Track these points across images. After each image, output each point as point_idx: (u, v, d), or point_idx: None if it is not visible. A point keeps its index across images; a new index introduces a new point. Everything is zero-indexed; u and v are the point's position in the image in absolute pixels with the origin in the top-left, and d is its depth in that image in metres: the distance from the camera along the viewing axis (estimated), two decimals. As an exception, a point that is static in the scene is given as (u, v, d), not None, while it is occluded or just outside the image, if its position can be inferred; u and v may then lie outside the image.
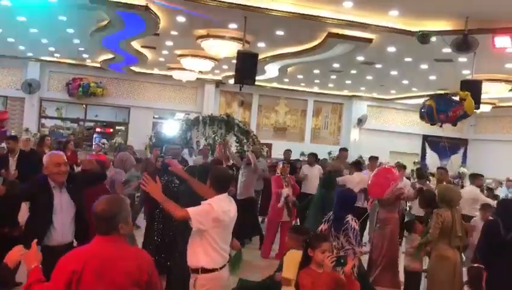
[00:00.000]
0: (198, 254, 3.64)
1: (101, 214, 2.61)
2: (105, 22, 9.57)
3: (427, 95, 16.11)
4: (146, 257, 2.71)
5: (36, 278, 2.58)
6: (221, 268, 3.70)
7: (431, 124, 9.10)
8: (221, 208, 3.64)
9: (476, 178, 8.81)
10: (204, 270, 3.64)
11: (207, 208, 3.59)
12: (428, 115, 8.97)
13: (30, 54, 15.21)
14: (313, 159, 10.43)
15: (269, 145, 16.64)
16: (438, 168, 9.22)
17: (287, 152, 11.18)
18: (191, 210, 3.52)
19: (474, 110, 9.07)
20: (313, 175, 9.84)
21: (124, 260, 2.56)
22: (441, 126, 9.22)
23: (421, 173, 9.45)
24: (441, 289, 5.22)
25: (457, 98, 8.55)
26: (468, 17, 7.44)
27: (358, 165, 9.17)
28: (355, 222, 4.74)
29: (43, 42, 12.79)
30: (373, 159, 9.85)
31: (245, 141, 14.26)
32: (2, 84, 15.99)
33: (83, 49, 13.33)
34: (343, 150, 11.05)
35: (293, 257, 3.96)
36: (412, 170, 13.91)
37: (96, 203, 2.67)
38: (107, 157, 10.37)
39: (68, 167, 4.16)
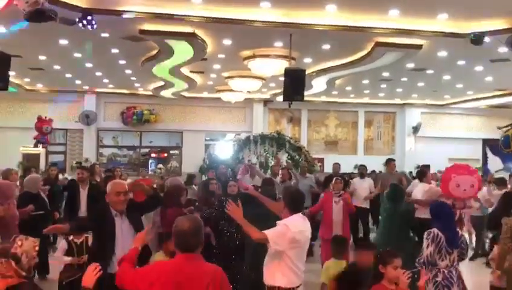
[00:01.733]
0: (275, 274, 3.75)
1: (188, 231, 2.75)
2: (154, 51, 9.90)
3: (484, 98, 15.58)
4: (220, 272, 2.83)
5: (131, 256, 3.09)
6: (297, 287, 3.78)
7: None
8: (297, 228, 3.73)
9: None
10: (281, 289, 3.76)
11: (283, 229, 3.69)
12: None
13: (86, 87, 15.97)
14: (364, 171, 10.20)
15: (321, 160, 16.46)
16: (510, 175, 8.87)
17: (336, 166, 10.85)
18: (269, 232, 3.64)
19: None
20: (363, 188, 9.60)
21: (203, 276, 2.70)
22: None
23: (500, 179, 9.17)
24: None
25: None
26: (524, 13, 7.12)
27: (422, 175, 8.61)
28: None
29: (97, 75, 13.40)
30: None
31: (297, 157, 14.16)
32: (62, 118, 16.75)
33: (134, 78, 13.84)
34: (390, 161, 10.51)
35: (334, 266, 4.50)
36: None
37: (177, 222, 2.83)
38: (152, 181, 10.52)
39: (128, 196, 4.26)
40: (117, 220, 4.14)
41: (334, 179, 8.08)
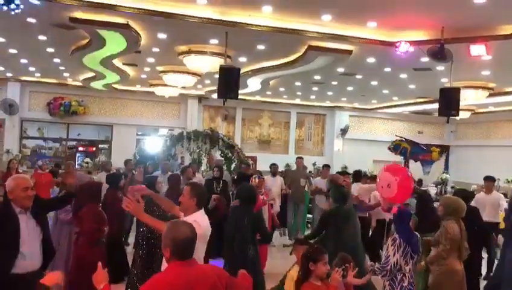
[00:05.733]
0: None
1: (187, 239, 2.63)
2: (85, 41, 9.54)
3: (408, 104, 16.52)
4: (220, 270, 2.85)
5: None
6: None
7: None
8: (204, 223, 3.77)
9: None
10: None
11: (196, 226, 3.70)
12: (402, 153, 12.56)
13: (9, 74, 15.07)
14: (276, 170, 10.47)
15: (254, 158, 16.66)
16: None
17: (246, 168, 11.16)
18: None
19: (454, 117, 9.52)
20: (276, 186, 9.89)
21: (208, 278, 2.65)
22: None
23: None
24: None
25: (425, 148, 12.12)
26: (444, 26, 7.62)
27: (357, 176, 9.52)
28: None
29: (22, 62, 12.69)
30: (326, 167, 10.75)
31: (230, 154, 14.23)
32: (-20, 105, 15.76)
33: (63, 68, 13.25)
34: (298, 158, 11.24)
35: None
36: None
37: (173, 229, 2.67)
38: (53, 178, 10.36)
39: (34, 191, 3.95)
40: (21, 217, 3.82)
41: (258, 178, 8.19)
